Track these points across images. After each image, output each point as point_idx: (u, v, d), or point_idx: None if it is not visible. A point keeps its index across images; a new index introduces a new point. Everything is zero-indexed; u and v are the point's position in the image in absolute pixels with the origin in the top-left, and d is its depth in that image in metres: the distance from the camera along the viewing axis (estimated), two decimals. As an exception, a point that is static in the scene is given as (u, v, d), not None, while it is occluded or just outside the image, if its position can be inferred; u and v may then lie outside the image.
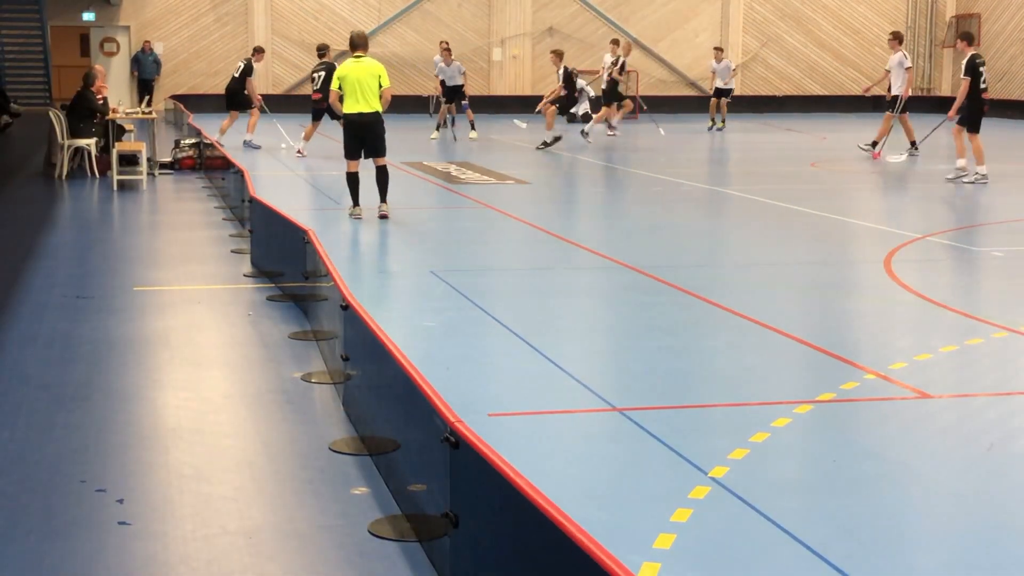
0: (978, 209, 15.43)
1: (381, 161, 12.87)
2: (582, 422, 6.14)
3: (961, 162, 17.55)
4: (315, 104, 20.17)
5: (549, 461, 5.49)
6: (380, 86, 12.69)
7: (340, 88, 12.84)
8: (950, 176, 17.48)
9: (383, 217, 12.72)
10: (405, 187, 16.66)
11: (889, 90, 21.92)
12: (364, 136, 12.78)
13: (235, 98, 22.59)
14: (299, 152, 20.40)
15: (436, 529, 4.63)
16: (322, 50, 21.26)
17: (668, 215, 14.28)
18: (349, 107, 12.75)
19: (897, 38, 22.03)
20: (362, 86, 12.64)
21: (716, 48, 30.77)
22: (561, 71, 23.78)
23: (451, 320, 8.33)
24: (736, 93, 36.59)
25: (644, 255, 11.14)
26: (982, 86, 17.31)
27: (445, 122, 25.49)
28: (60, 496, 5.42)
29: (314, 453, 6.04)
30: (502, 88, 35.16)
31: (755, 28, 36.81)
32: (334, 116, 18.40)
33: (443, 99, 25.64)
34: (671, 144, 24.73)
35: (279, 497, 5.49)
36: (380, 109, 12.79)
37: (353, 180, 12.93)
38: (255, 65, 22.51)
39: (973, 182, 17.16)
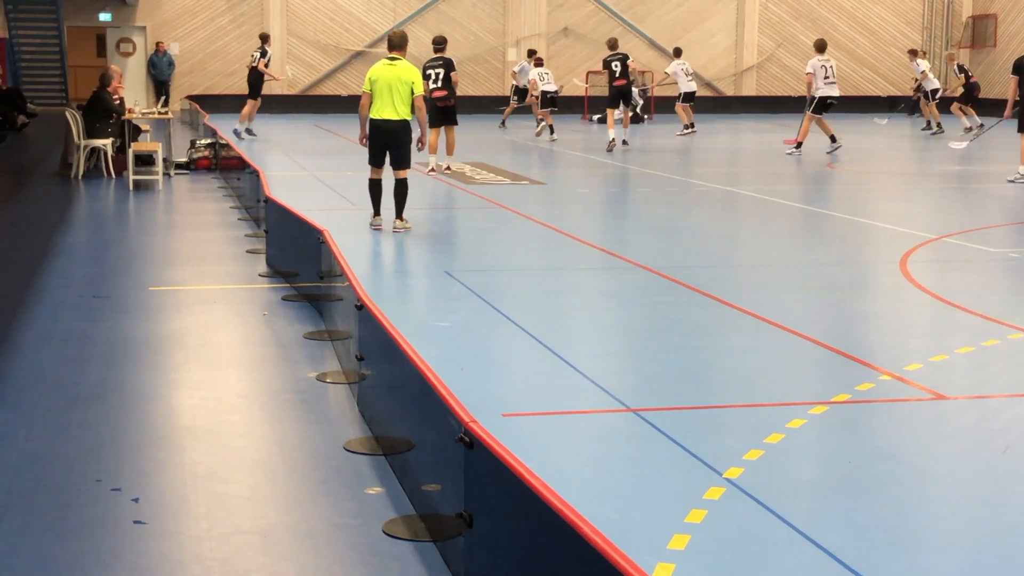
0: (995, 210, 15.37)
1: (403, 173, 12.09)
2: (596, 422, 6.13)
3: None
4: (442, 102, 17.88)
5: (563, 461, 5.48)
6: (412, 93, 11.86)
7: (370, 90, 11.89)
8: (1010, 179, 17.46)
9: (397, 232, 12.00)
10: (420, 188, 16.66)
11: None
12: (388, 144, 12.01)
13: (257, 85, 23.43)
14: (447, 168, 18.31)
15: (450, 529, 4.63)
16: (439, 44, 18.77)
17: (683, 216, 14.26)
18: (377, 112, 11.90)
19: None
20: (393, 91, 11.79)
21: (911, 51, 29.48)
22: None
23: (465, 320, 8.33)
24: (750, 94, 36.65)
25: (658, 256, 11.12)
26: None
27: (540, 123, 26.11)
28: (75, 495, 5.44)
29: (329, 453, 6.05)
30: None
31: (771, 28, 36.75)
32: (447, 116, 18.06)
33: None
34: (686, 144, 24.70)
35: (293, 497, 5.49)
36: (409, 117, 11.98)
37: (375, 188, 12.24)
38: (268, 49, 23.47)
39: (1012, 181, 17.29)
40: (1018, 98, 17.58)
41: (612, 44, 23.46)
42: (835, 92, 22.34)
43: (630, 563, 3.23)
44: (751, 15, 36.51)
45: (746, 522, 4.76)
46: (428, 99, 17.07)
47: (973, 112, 27.66)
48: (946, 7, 37.84)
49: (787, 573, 4.36)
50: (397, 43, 12.05)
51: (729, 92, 36.86)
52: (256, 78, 23.88)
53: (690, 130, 26.56)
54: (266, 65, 24.00)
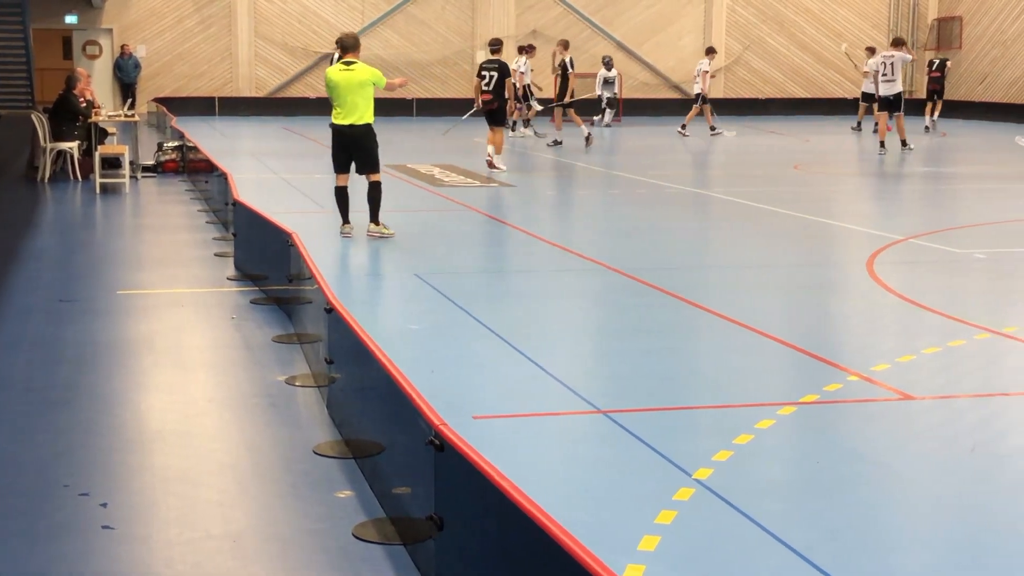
0: (960, 211, 15.49)
1: (375, 177, 11.85)
2: (567, 424, 6.14)
3: None
4: (487, 106, 18.71)
5: (534, 463, 5.49)
6: (374, 88, 11.68)
7: (329, 95, 11.79)
8: None
9: (372, 236, 11.79)
10: (389, 190, 16.65)
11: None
12: (353, 150, 11.81)
13: None
14: (497, 167, 18.83)
15: (421, 532, 4.63)
16: (495, 46, 19.20)
17: (652, 217, 14.30)
18: (337, 118, 11.72)
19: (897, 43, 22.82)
20: (352, 95, 11.58)
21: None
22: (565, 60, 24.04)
23: (436, 323, 8.33)
24: (718, 96, 36.78)
25: (629, 257, 11.15)
26: None
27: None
28: (44, 500, 5.40)
29: (298, 456, 6.03)
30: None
31: (738, 31, 36.90)
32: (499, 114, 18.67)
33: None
34: (655, 146, 24.77)
35: (263, 500, 5.48)
36: (372, 120, 11.78)
37: (341, 195, 11.99)
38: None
39: None
40: None
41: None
42: (889, 89, 22.52)
43: (600, 564, 3.24)
44: (719, 18, 36.64)
45: (716, 523, 4.77)
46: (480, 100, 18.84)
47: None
48: (912, 9, 38.09)
49: (757, 574, 4.38)
50: (351, 45, 11.83)
51: (697, 94, 36.96)
52: None
53: (716, 131, 27.10)
54: None
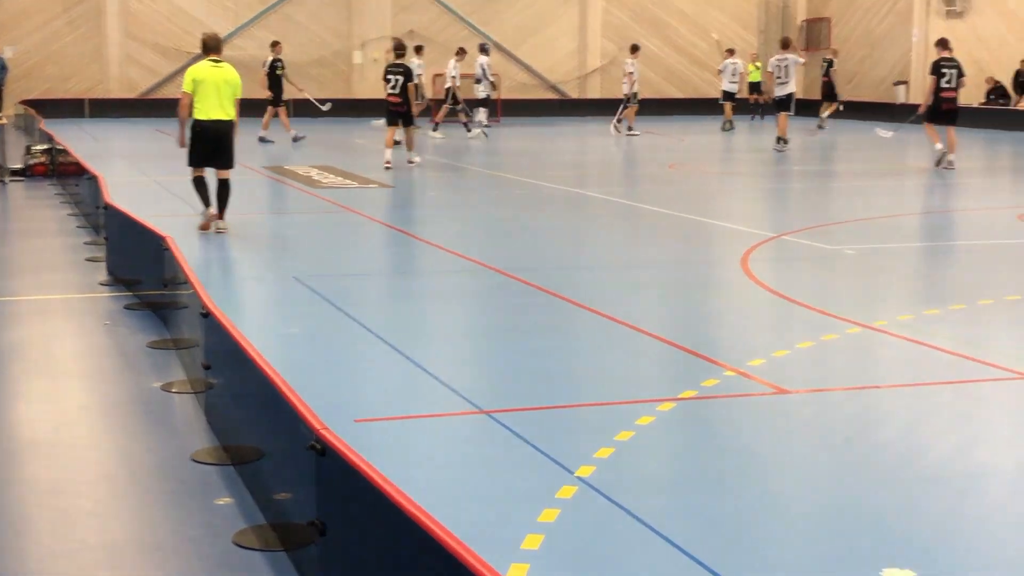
0: (830, 208, 15.84)
1: (228, 174, 12.19)
2: (449, 426, 6.14)
3: (940, 146, 19.16)
4: (394, 108, 19.48)
5: (417, 466, 5.47)
6: (234, 96, 12.08)
7: (193, 91, 11.97)
8: (937, 161, 19.15)
9: (220, 232, 11.97)
10: (267, 192, 16.48)
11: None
12: (217, 145, 12.09)
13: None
14: (415, 161, 19.69)
15: (303, 537, 4.58)
16: (400, 50, 19.99)
17: (532, 218, 14.36)
18: (206, 113, 11.97)
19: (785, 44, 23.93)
20: (220, 92, 11.97)
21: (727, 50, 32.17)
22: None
23: (315, 326, 8.26)
24: (595, 96, 37.11)
25: (509, 257, 11.18)
26: (944, 85, 19.00)
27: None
28: (-91, 515, 5.23)
29: (176, 464, 5.93)
30: (363, 91, 34.92)
31: (613, 32, 37.24)
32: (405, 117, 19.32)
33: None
34: (532, 147, 24.89)
35: (140, 510, 5.38)
36: (235, 118, 12.17)
37: (201, 183, 12.34)
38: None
39: (944, 166, 19.05)
40: (931, 98, 19.24)
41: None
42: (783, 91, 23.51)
43: (484, 565, 3.24)
44: (594, 19, 36.95)
45: (599, 520, 4.81)
46: (386, 101, 19.44)
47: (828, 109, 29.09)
48: (781, 11, 38.85)
49: (639, 568, 4.42)
50: (215, 46, 12.32)
51: (574, 95, 37.25)
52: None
53: (730, 127, 28.63)
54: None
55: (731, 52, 31.75)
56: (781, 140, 23.01)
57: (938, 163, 19.24)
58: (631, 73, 27.81)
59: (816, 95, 32.54)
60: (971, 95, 32.61)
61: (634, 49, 28.59)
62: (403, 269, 10.91)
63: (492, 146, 25.27)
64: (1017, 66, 30.73)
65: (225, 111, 12.05)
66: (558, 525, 4.70)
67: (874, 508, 5.02)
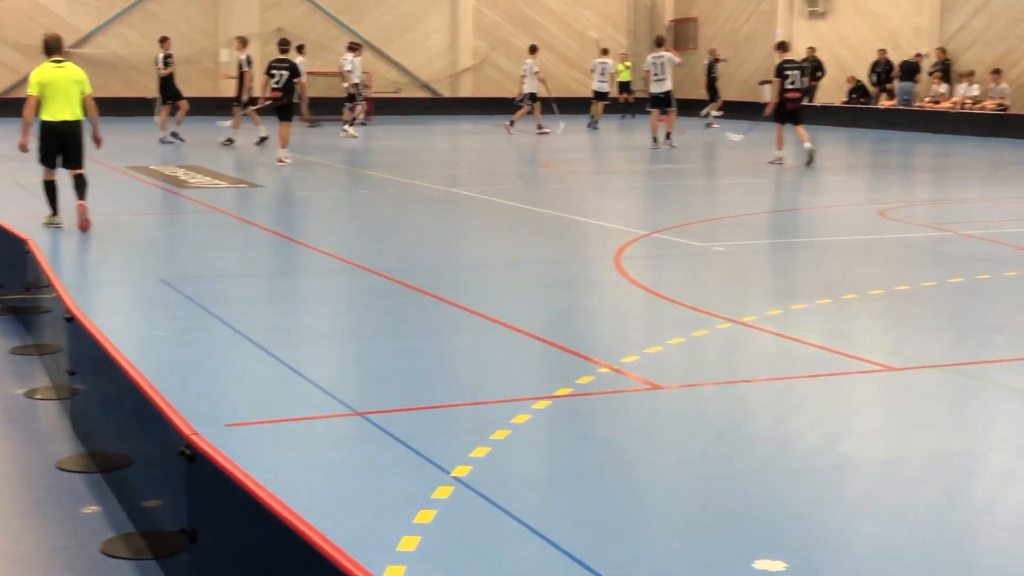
0: (700, 206, 16.08)
1: (80, 171, 12.31)
2: (324, 428, 6.07)
3: (781, 152, 20.04)
4: (277, 102, 20.01)
5: (290, 469, 5.40)
6: (82, 93, 12.25)
7: (40, 94, 12.14)
8: (770, 160, 20.01)
9: (86, 221, 11.93)
10: (132, 193, 16.15)
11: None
12: (67, 145, 12.26)
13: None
14: (284, 160, 19.62)
15: (173, 545, 4.49)
16: (284, 45, 20.82)
17: (404, 217, 14.30)
18: (53, 114, 12.15)
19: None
20: (68, 92, 12.16)
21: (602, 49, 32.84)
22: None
23: (184, 329, 8.11)
24: (467, 95, 37.15)
25: (381, 257, 11.12)
26: (788, 86, 20.01)
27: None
28: None
29: (41, 472, 5.77)
30: (230, 89, 34.37)
31: (485, 31, 37.31)
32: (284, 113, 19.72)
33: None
34: (405, 146, 24.81)
35: (4, 519, 5.22)
36: (83, 117, 12.30)
37: (51, 187, 12.42)
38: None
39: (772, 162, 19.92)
40: (777, 99, 20.25)
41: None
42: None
43: (359, 568, 3.20)
44: (465, 18, 36.97)
45: (475, 519, 4.80)
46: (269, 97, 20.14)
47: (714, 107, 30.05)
48: (649, 11, 39.33)
49: (516, 566, 4.42)
50: (57, 46, 12.53)
51: (446, 93, 37.23)
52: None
53: (595, 126, 29.39)
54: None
55: (605, 52, 32.29)
56: (668, 136, 23.72)
57: (808, 162, 19.93)
58: (536, 72, 27.93)
59: (690, 95, 33.17)
60: (833, 94, 33.44)
61: (533, 50, 28.68)
62: (274, 270, 10.78)
63: (365, 145, 25.12)
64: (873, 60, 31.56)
65: (73, 111, 12.22)
66: (435, 526, 4.68)
67: (746, 501, 5.10)
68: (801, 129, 20.19)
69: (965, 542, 4.68)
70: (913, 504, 5.04)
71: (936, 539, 4.69)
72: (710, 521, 4.93)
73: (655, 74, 23.79)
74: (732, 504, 5.07)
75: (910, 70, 30.69)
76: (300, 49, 27.98)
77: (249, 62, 24.51)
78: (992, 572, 4.42)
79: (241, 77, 24.13)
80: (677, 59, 24.92)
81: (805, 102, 33.03)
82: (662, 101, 23.77)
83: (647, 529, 4.84)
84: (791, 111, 20.20)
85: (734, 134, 24.25)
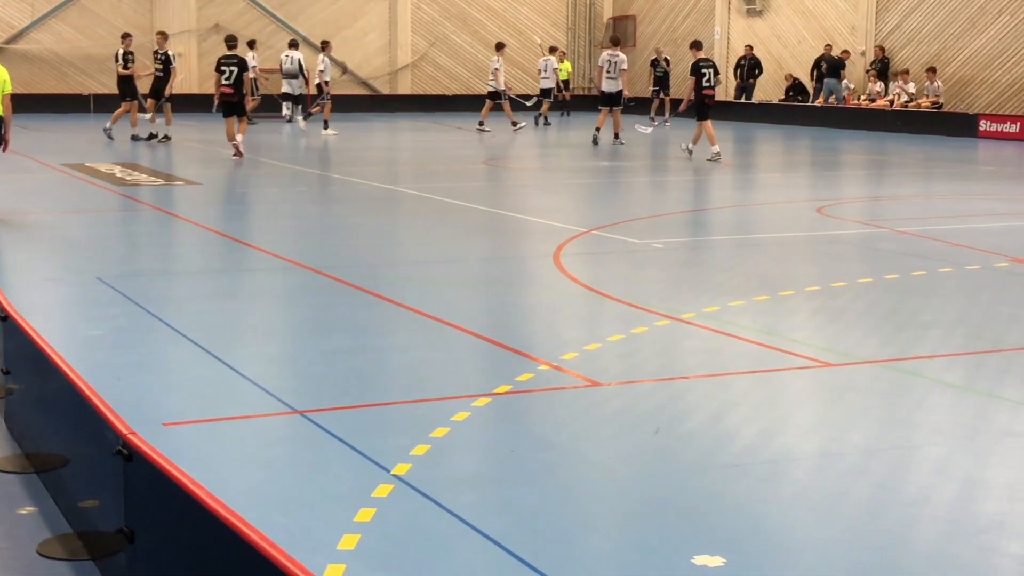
0: (639, 203, 16.16)
1: None
2: (262, 427, 6.04)
3: (716, 148, 20.53)
4: (226, 98, 20.11)
5: (228, 468, 5.37)
6: (2, 92, 12.21)
7: None
8: (708, 157, 20.39)
9: None
10: (67, 190, 15.97)
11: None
12: None
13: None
14: (237, 154, 20.07)
15: (111, 545, 4.45)
16: (231, 41, 20.88)
17: (343, 214, 14.25)
18: None
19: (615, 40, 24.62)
20: None
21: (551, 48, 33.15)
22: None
23: (120, 327, 8.03)
24: (406, 92, 37.08)
25: (320, 255, 11.08)
26: (705, 84, 20.75)
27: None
28: None
29: (-26, 474, 5.69)
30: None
31: (423, 28, 37.26)
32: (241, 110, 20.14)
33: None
34: (344, 143, 24.72)
35: (-64, 523, 5.14)
36: (3, 115, 12.27)
37: None
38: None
39: (710, 159, 20.32)
40: (692, 96, 20.92)
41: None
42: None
43: (299, 567, 3.19)
44: (403, 15, 36.89)
45: (415, 517, 4.80)
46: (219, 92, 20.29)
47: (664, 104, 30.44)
48: (588, 8, 39.46)
49: (456, 564, 4.43)
50: None
51: (385, 91, 37.14)
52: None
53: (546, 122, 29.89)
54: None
55: (552, 50, 32.59)
56: (616, 136, 24.09)
57: (711, 158, 20.52)
58: (497, 70, 27.91)
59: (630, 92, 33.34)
60: (770, 92, 33.73)
61: (499, 47, 28.64)
62: (211, 268, 10.70)
63: (305, 142, 25.00)
64: (817, 56, 31.85)
65: None
66: (375, 524, 4.68)
67: (684, 497, 5.14)
68: (709, 125, 20.81)
69: (900, 534, 4.75)
70: (849, 497, 5.11)
71: (872, 532, 4.76)
72: (649, 517, 4.96)
73: (608, 72, 23.88)
74: (671, 499, 5.11)
75: (835, 66, 31.09)
76: (251, 45, 28.08)
77: (174, 58, 24.18)
78: (927, 564, 4.49)
79: (168, 72, 23.65)
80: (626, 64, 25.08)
81: (743, 100, 33.53)
82: (612, 99, 23.96)
83: (586, 525, 4.87)
84: (709, 107, 20.93)
85: (643, 127, 24.71)
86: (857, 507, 5.01)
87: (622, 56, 24.16)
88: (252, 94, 27.62)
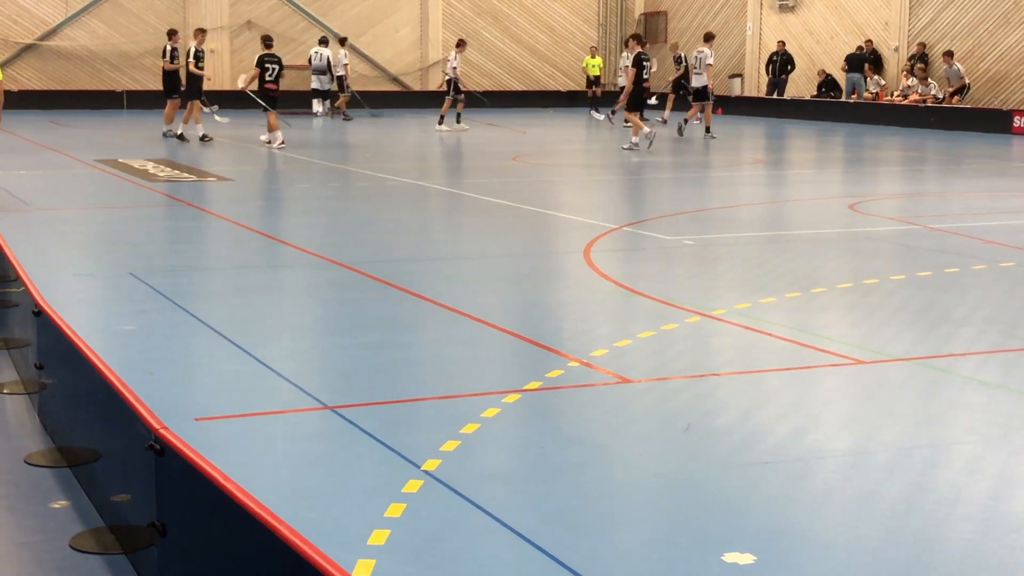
0: (669, 199, 16.11)
1: None
2: (293, 422, 6.06)
3: (635, 139, 21.78)
4: (272, 94, 22.06)
5: (259, 463, 5.39)
6: None
7: None
8: (624, 146, 21.53)
9: None
10: (100, 186, 16.07)
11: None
12: None
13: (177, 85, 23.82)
14: (271, 143, 21.72)
15: (142, 540, 4.48)
16: (268, 40, 22.63)
17: (374, 210, 14.28)
18: None
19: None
20: None
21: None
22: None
23: (153, 323, 8.07)
24: (437, 89, 37.07)
25: (351, 251, 11.10)
26: (644, 76, 21.72)
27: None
28: None
29: (7, 467, 5.74)
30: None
31: (454, 24, 37.27)
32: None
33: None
34: (376, 140, 24.76)
35: (-29, 516, 5.19)
36: None
37: None
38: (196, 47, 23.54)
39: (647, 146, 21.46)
40: (633, 86, 21.92)
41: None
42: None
43: (329, 562, 3.20)
44: (435, 11, 36.92)
45: (445, 513, 4.80)
46: (263, 88, 22.02)
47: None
48: (620, 4, 39.37)
49: (486, 559, 4.43)
50: None
51: (416, 87, 37.18)
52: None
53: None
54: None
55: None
56: (707, 130, 25.21)
57: (650, 144, 21.71)
58: (455, 67, 27.80)
59: (657, 88, 33.20)
60: (803, 88, 33.57)
61: (460, 44, 28.46)
62: (242, 264, 10.74)
63: (335, 138, 25.05)
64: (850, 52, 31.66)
65: None
66: (404, 519, 4.68)
67: (714, 494, 5.12)
68: (637, 118, 21.89)
69: (932, 533, 4.72)
70: (881, 496, 5.08)
71: (903, 530, 4.73)
72: (679, 514, 4.95)
73: (695, 68, 25.46)
74: (701, 497, 5.10)
75: (859, 61, 30.91)
76: (342, 42, 30.17)
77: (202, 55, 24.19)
78: (959, 563, 4.46)
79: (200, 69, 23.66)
80: (712, 59, 26.09)
81: (776, 96, 33.41)
82: (700, 95, 25.37)
83: (616, 522, 4.86)
84: (646, 99, 22.41)
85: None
86: (889, 505, 4.98)
87: (708, 51, 25.39)
88: (343, 90, 30.18)
